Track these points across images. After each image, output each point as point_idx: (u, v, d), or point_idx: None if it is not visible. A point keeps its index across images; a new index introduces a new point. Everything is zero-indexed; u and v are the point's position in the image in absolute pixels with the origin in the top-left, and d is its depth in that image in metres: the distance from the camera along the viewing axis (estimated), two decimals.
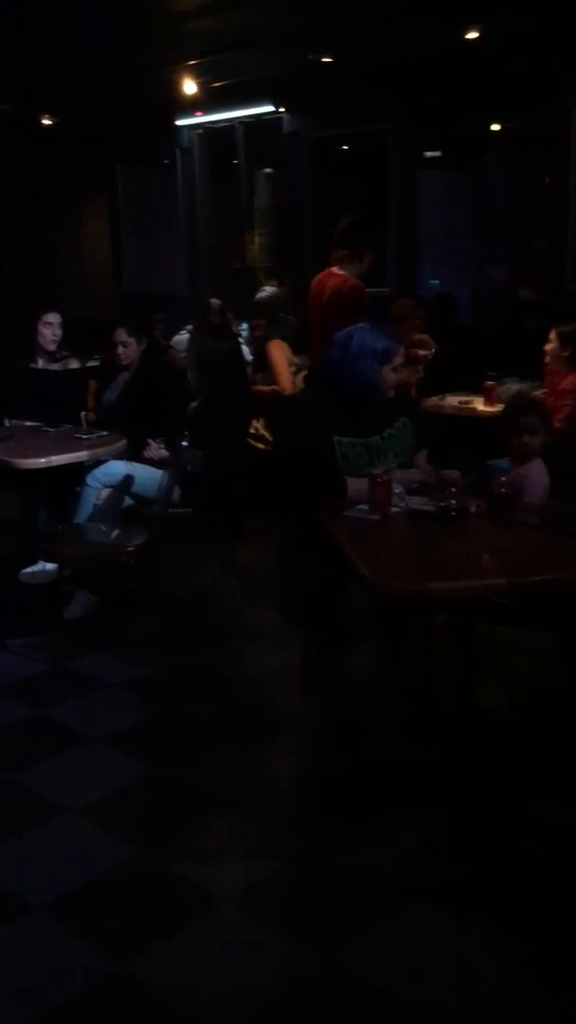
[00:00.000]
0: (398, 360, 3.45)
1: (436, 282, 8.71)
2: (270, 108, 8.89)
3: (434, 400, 5.70)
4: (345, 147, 9.06)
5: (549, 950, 2.40)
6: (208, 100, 8.80)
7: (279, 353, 5.82)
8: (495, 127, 7.98)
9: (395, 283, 8.22)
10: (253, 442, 5.55)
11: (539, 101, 7.08)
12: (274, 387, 5.72)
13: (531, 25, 6.47)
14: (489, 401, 5.47)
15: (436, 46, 6.96)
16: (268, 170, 10.01)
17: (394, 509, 3.23)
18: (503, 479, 3.22)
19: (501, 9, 6.20)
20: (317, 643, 3.55)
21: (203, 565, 5.01)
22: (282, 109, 8.87)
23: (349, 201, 8.92)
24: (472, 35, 6.65)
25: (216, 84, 8.40)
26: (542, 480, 3.40)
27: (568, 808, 2.92)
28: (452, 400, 5.69)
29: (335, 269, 5.13)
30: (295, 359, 5.68)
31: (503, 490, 3.20)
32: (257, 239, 10.25)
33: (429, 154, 8.52)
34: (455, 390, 5.73)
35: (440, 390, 5.76)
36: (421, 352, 4.99)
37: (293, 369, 5.26)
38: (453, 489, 3.20)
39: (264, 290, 7.78)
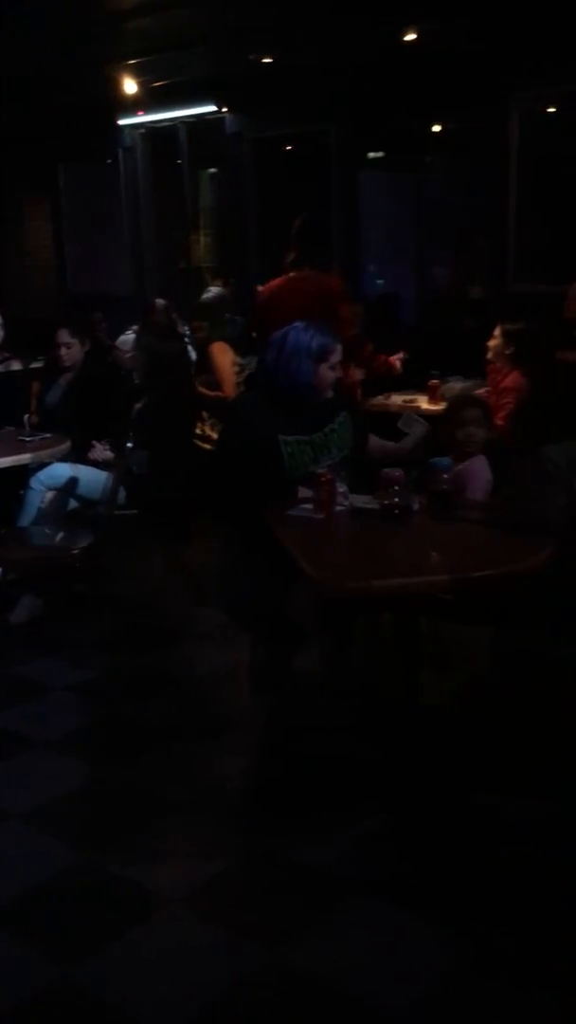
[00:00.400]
0: (335, 358, 3.44)
1: (381, 282, 8.78)
2: (212, 108, 8.89)
3: (379, 399, 5.75)
4: (288, 147, 9.08)
5: (491, 941, 2.43)
6: (150, 99, 8.77)
7: (222, 356, 5.78)
8: (436, 128, 8.07)
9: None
10: (199, 443, 5.54)
11: (478, 102, 7.16)
12: (217, 392, 5.68)
13: (469, 26, 6.55)
14: (433, 399, 5.54)
15: (376, 47, 7.02)
16: (212, 170, 10.00)
17: (338, 508, 3.25)
18: (445, 476, 3.26)
19: (439, 11, 6.27)
20: (264, 643, 3.56)
21: (150, 566, 5.00)
22: (224, 109, 8.86)
23: (293, 201, 8.97)
24: (410, 37, 6.72)
25: (157, 84, 8.37)
26: (485, 475, 3.44)
27: (508, 800, 2.95)
28: (397, 399, 5.74)
29: (294, 274, 4.86)
30: (239, 360, 5.67)
31: (445, 487, 3.24)
32: (203, 239, 10.24)
33: (372, 155, 8.58)
34: (400, 389, 5.78)
35: (385, 389, 5.81)
36: (396, 363, 4.93)
37: (236, 370, 5.25)
38: (396, 487, 3.23)
39: (210, 290, 7.78)
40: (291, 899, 2.62)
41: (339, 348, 3.46)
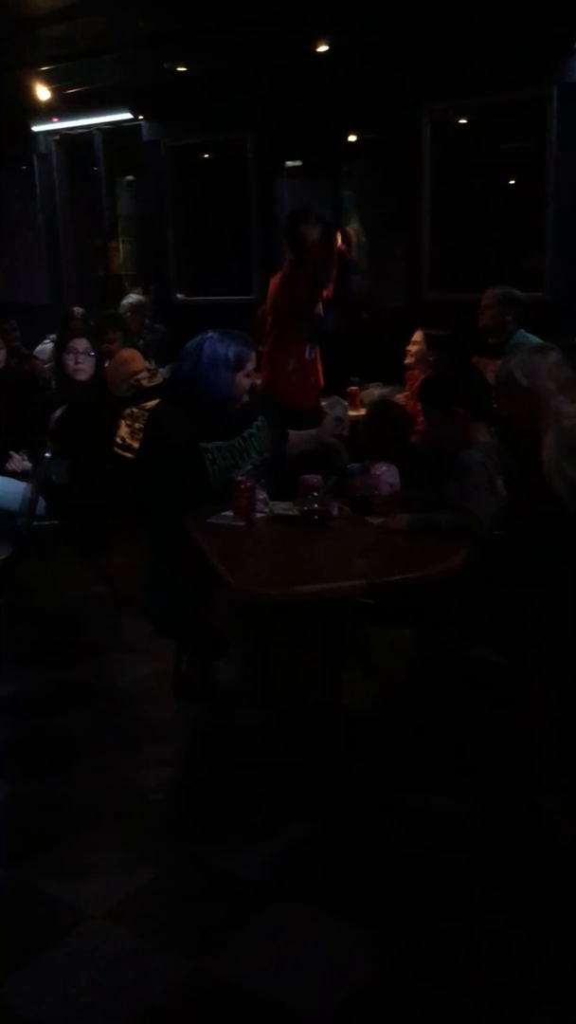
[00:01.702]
0: (250, 365, 3.47)
1: None
2: (128, 115, 8.84)
3: None
4: (206, 155, 9.09)
5: (416, 941, 2.47)
6: (64, 106, 8.68)
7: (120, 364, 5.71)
8: (352, 138, 8.16)
9: (259, 291, 8.30)
10: (119, 451, 5.50)
11: (392, 112, 7.28)
12: None
13: (380, 38, 6.66)
14: (353, 405, 5.58)
15: (289, 57, 7.08)
16: (130, 177, 9.94)
17: (258, 515, 3.27)
18: (359, 482, 3.32)
19: (350, 22, 6.36)
20: (188, 651, 3.56)
21: (72, 577, 4.94)
22: (140, 117, 8.83)
23: (211, 209, 8.98)
24: (322, 48, 6.80)
25: (72, 90, 8.30)
26: (389, 480, 3.50)
27: (431, 799, 2.99)
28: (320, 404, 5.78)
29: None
30: (150, 366, 5.61)
31: (359, 493, 3.29)
32: (121, 247, 10.17)
33: (290, 163, 8.64)
34: (320, 395, 5.82)
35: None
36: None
37: (145, 376, 5.19)
38: (316, 493, 3.26)
39: (129, 298, 7.74)
40: (217, 907, 2.62)
41: (253, 355, 3.50)
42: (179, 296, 9.04)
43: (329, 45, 6.78)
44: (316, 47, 6.79)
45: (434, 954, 2.42)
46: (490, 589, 2.89)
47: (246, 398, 3.52)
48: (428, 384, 3.45)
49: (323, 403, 4.27)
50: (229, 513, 3.27)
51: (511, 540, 2.86)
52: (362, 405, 5.46)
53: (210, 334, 3.46)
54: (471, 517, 2.95)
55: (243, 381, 3.46)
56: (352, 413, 5.46)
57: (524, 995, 2.28)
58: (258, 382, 5.54)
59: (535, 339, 5.00)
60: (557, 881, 2.63)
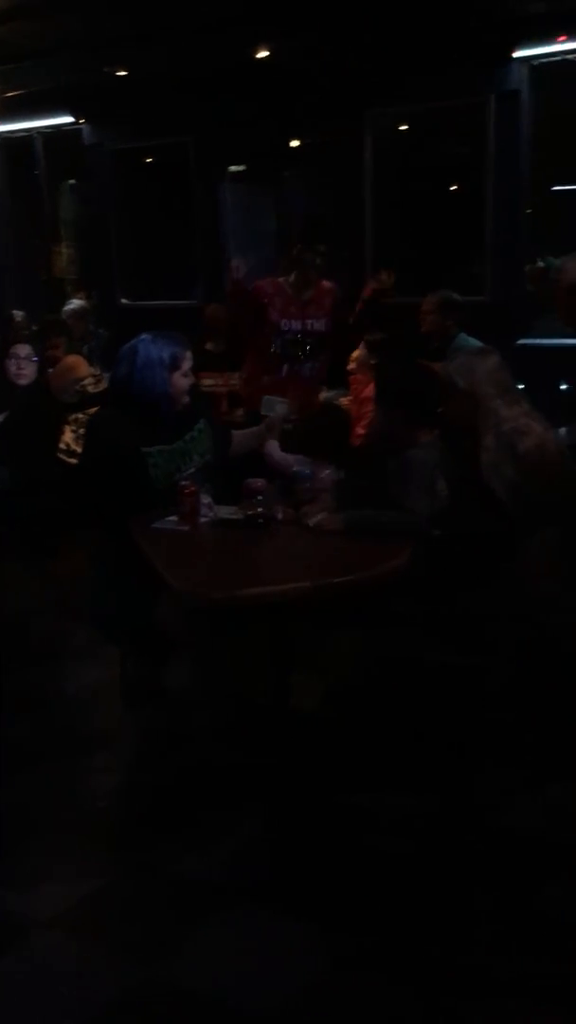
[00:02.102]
0: (187, 364, 3.46)
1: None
2: (69, 119, 8.78)
3: (240, 412, 5.79)
4: (149, 159, 9.06)
5: (365, 939, 2.49)
6: (3, 109, 8.60)
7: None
8: (295, 143, 8.21)
9: (202, 294, 8.30)
10: (64, 457, 5.46)
11: (332, 118, 7.33)
12: None
13: (321, 44, 6.71)
14: None
15: (231, 62, 7.10)
16: (72, 181, 9.88)
17: (203, 519, 3.28)
18: (305, 486, 3.34)
19: (291, 28, 6.39)
20: (135, 656, 3.55)
21: (17, 584, 4.89)
22: (82, 120, 8.78)
23: (155, 213, 8.96)
24: (263, 53, 6.83)
25: (10, 93, 8.22)
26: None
27: (380, 799, 3.02)
28: None
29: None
30: (95, 371, 5.58)
31: (305, 496, 3.32)
32: (64, 251, 10.09)
33: (234, 168, 8.66)
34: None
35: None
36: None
37: (91, 382, 5.16)
38: (260, 496, 3.28)
39: (72, 303, 7.69)
40: (168, 912, 2.62)
41: (189, 355, 3.49)
42: (123, 300, 9.00)
43: (270, 51, 6.81)
44: (257, 52, 6.82)
45: (380, 951, 2.44)
46: (434, 589, 2.93)
47: (186, 399, 3.51)
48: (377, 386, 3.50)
49: (261, 408, 4.28)
50: (174, 518, 3.27)
51: (452, 540, 2.91)
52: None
53: (144, 336, 3.46)
54: (411, 515, 2.99)
55: (180, 381, 3.45)
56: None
57: (477, 989, 2.31)
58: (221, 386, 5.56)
59: (476, 343, 5.08)
60: (510, 876, 2.68)
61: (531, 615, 2.62)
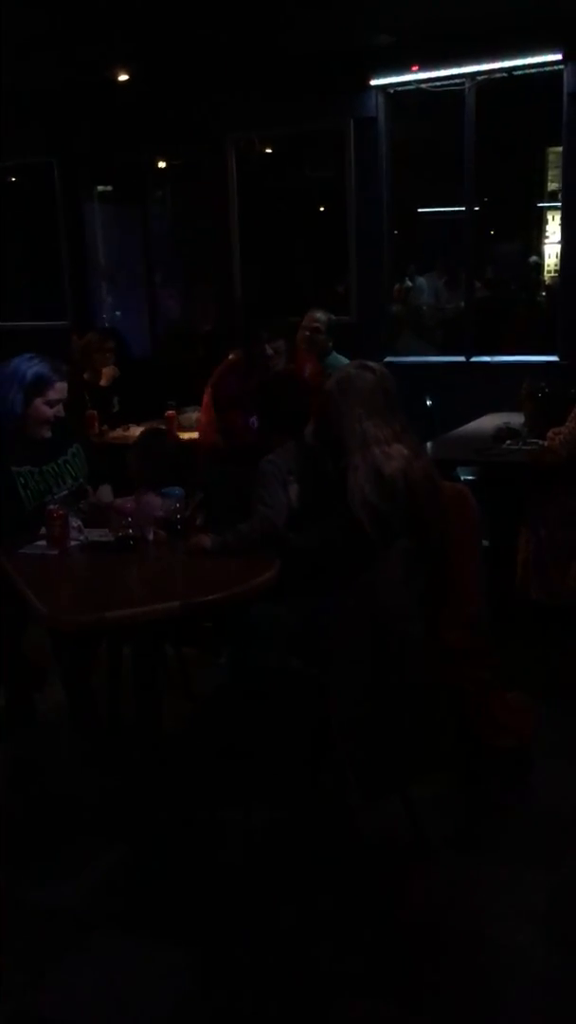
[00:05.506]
0: (53, 394, 3.32)
1: (119, 313, 8.83)
2: None
3: (119, 431, 5.77)
4: (13, 179, 8.95)
5: (232, 954, 2.50)
6: None
7: None
8: (161, 164, 8.25)
9: (73, 315, 8.24)
10: None
11: (196, 139, 7.41)
12: None
13: (181, 67, 6.79)
14: (171, 429, 5.62)
15: (93, 84, 7.10)
16: None
17: (72, 542, 3.25)
18: (177, 505, 3.35)
19: (151, 52, 6.45)
20: (5, 684, 3.48)
21: None
22: None
23: (19, 233, 8.83)
24: (123, 77, 6.86)
25: None
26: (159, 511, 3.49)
27: (249, 813, 3.02)
28: (136, 430, 5.78)
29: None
30: None
31: (178, 515, 3.33)
32: None
33: (101, 188, 8.63)
34: (139, 420, 5.84)
35: (124, 421, 5.86)
36: None
37: None
38: (130, 519, 3.28)
39: None
40: (34, 943, 2.58)
41: (61, 387, 3.35)
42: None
43: (129, 74, 6.85)
44: (118, 74, 6.85)
45: (247, 966, 2.46)
46: (291, 597, 2.98)
47: (46, 432, 3.37)
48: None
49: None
50: (43, 543, 3.24)
51: (307, 549, 2.96)
52: (180, 428, 5.52)
53: (25, 354, 3.34)
54: (265, 518, 3.03)
55: (40, 408, 3.31)
56: (183, 436, 5.51)
57: (346, 992, 2.36)
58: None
59: (345, 360, 5.20)
60: (365, 880, 2.75)
61: (384, 625, 2.68)
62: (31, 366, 3.30)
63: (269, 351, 4.29)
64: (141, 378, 6.45)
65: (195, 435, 5.08)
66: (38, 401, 3.31)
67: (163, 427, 5.44)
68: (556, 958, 2.46)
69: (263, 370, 4.26)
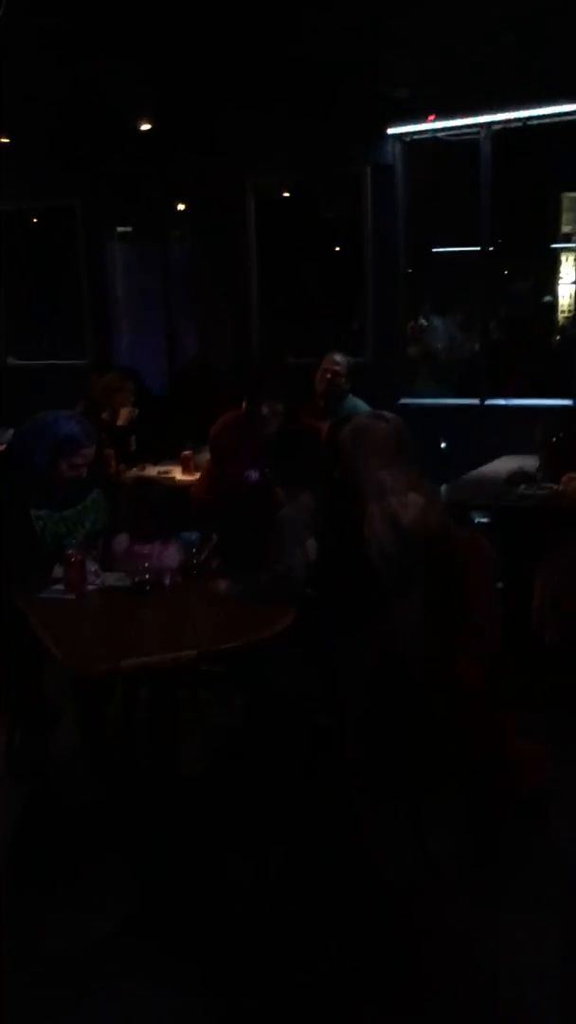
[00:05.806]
0: (79, 460, 3.42)
1: (137, 352, 8.92)
2: None
3: (135, 471, 5.81)
4: (35, 219, 9.11)
5: (242, 1002, 2.50)
6: None
7: None
8: (181, 206, 8.38)
9: (92, 353, 8.34)
10: None
11: (216, 183, 7.54)
12: None
13: (203, 113, 6.94)
14: (187, 470, 5.65)
15: (115, 129, 7.25)
16: None
17: (90, 587, 3.28)
18: (194, 551, 3.39)
19: (174, 99, 6.59)
20: (20, 725, 3.51)
21: None
22: None
23: (40, 274, 8.97)
24: (145, 127, 7.01)
25: None
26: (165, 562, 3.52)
27: (267, 858, 3.03)
28: (152, 470, 5.82)
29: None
30: None
31: (194, 560, 3.36)
32: None
33: (121, 229, 8.77)
34: (155, 461, 5.88)
35: (140, 460, 5.89)
36: None
37: None
38: (147, 563, 3.31)
39: None
40: (45, 992, 2.57)
41: (88, 452, 3.44)
42: (10, 360, 8.95)
43: (151, 123, 7.00)
44: (140, 123, 7.00)
45: (256, 1013, 2.46)
46: (307, 648, 3.00)
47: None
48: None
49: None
50: (60, 587, 3.27)
51: (323, 600, 2.98)
52: (197, 469, 5.55)
53: (65, 412, 3.47)
54: (286, 570, 3.05)
55: (63, 468, 3.42)
56: (187, 477, 5.55)
57: None
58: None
59: (363, 404, 5.23)
60: (384, 925, 2.74)
61: (399, 673, 2.69)
62: (68, 425, 3.41)
63: (265, 411, 4.21)
64: (158, 417, 6.50)
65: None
66: (62, 462, 3.41)
67: (153, 474, 5.47)
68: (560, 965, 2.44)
69: (260, 428, 4.23)
